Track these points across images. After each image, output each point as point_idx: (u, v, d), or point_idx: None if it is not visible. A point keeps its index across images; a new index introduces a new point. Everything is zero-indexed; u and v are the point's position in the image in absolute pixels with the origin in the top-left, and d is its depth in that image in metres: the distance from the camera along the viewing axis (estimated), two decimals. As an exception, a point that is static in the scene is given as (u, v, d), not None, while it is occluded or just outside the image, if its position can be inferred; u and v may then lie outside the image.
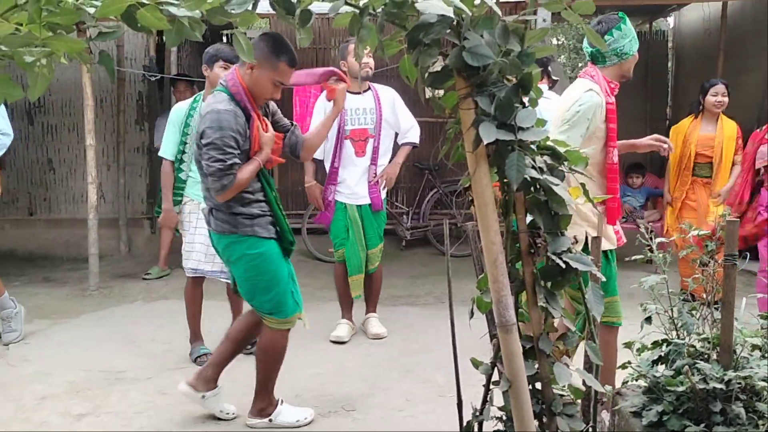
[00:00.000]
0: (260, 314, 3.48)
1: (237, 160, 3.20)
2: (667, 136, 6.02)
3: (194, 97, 4.60)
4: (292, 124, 3.69)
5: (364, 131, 4.99)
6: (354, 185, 4.98)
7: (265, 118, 3.45)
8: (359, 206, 5.02)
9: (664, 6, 9.69)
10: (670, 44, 11.49)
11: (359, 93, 4.96)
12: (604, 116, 3.34)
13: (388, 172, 5.13)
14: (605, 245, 3.33)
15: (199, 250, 4.46)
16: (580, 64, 18.33)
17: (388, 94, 5.13)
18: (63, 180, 8.01)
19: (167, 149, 4.53)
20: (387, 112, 5.06)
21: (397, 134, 5.22)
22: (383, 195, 5.18)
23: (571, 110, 3.29)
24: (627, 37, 3.40)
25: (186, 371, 4.37)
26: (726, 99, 5.69)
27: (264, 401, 3.59)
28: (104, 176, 7.80)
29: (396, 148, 5.24)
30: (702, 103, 5.75)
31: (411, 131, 5.19)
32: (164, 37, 1.72)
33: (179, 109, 4.55)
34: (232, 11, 1.69)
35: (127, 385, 4.19)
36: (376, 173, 5.07)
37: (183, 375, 4.30)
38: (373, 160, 5.06)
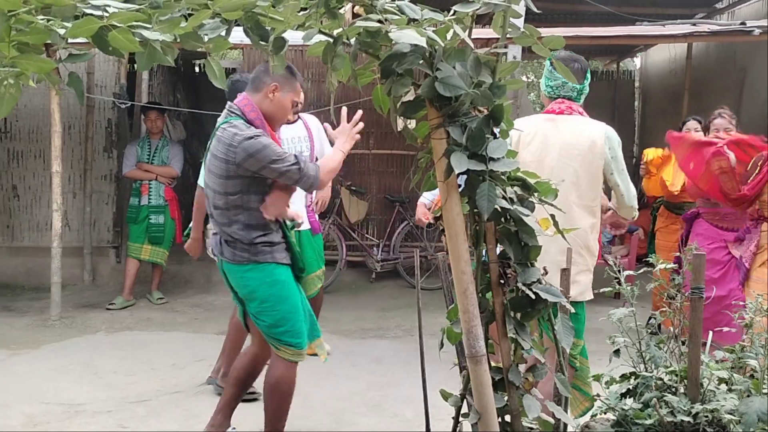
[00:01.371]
0: (275, 346, 3.38)
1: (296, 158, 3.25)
2: (636, 171, 6.10)
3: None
4: None
5: None
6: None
7: None
8: (298, 232, 5.02)
9: (631, 46, 9.96)
10: (636, 83, 11.77)
11: (290, 122, 5.07)
12: None
13: (321, 195, 5.29)
14: (585, 296, 3.37)
15: None
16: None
17: (315, 122, 5.35)
18: (27, 207, 7.85)
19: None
20: (316, 141, 5.28)
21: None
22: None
23: (617, 148, 3.39)
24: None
25: (148, 405, 4.27)
26: (699, 134, 5.76)
27: None
28: (70, 204, 7.68)
29: None
30: None
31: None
32: (136, 62, 1.70)
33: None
34: (205, 36, 1.68)
35: (86, 419, 4.07)
36: (312, 198, 5.24)
37: (145, 408, 4.21)
38: None
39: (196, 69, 10.78)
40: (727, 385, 2.18)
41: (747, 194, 4.34)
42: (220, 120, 3.38)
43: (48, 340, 5.64)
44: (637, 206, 3.50)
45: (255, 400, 4.25)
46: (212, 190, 3.30)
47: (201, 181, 4.35)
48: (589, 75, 3.52)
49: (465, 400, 2.11)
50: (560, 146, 3.37)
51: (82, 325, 6.11)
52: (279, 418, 3.46)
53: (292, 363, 3.40)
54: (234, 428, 3.64)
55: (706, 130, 5.81)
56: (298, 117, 5.22)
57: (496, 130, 1.93)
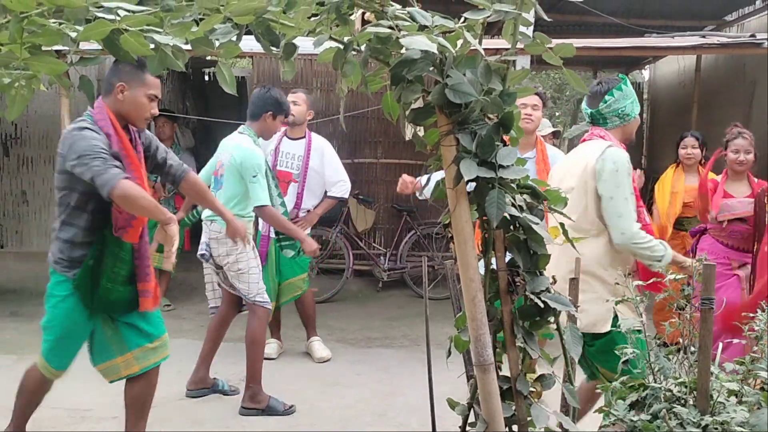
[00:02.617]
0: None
1: (116, 162, 3.02)
2: (645, 184, 6.07)
3: (250, 138, 4.45)
4: (166, 152, 3.49)
5: (288, 174, 5.31)
6: None
7: (135, 149, 3.24)
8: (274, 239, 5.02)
9: (640, 58, 9.95)
10: (645, 96, 11.76)
11: (294, 139, 5.27)
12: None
13: (306, 218, 5.37)
14: (597, 328, 3.15)
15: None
16: (557, 113, 18.66)
17: (319, 145, 5.44)
18: (36, 213, 7.88)
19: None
20: (315, 162, 5.38)
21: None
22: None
23: (608, 171, 3.10)
24: (628, 98, 3.25)
25: (152, 411, 4.23)
26: (696, 151, 5.71)
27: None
28: (79, 210, 7.70)
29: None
30: (677, 154, 5.85)
31: (337, 186, 5.45)
32: (147, 66, 1.71)
33: (259, 156, 4.39)
34: (216, 41, 1.69)
35: (92, 424, 4.07)
36: (297, 216, 5.32)
37: (149, 415, 4.18)
38: (296, 205, 5.35)
39: (206, 78, 10.83)
40: (737, 397, 2.15)
41: None
42: None
43: (54, 346, 5.63)
44: (637, 243, 3.08)
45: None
46: (62, 190, 3.20)
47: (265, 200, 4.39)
48: (612, 95, 3.21)
49: (472, 409, 2.10)
50: (563, 171, 3.33)
51: (88, 331, 6.10)
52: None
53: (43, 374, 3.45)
54: None
55: (703, 146, 5.79)
56: (305, 135, 5.35)
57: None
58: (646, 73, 11.91)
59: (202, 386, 4.56)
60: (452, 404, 2.15)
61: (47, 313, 3.27)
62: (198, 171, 4.67)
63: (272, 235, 5.02)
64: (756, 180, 4.90)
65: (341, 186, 5.44)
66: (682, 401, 2.17)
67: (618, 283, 2.81)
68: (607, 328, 3.09)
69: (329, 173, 5.41)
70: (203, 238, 4.44)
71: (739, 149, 4.81)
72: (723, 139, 4.97)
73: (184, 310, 6.90)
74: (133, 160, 3.14)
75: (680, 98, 9.66)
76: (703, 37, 6.86)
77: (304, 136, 5.38)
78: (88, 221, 3.15)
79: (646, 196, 6.15)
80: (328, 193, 5.46)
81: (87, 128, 3.08)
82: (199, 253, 4.46)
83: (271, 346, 5.25)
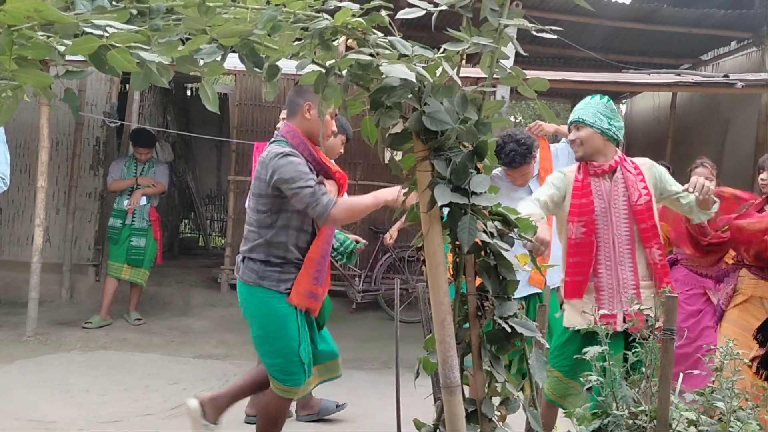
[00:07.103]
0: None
1: (323, 187, 3.18)
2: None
3: None
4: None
5: None
6: None
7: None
8: None
9: (617, 93, 10.14)
10: (621, 129, 11.93)
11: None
12: (570, 192, 3.49)
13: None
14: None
15: None
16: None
17: None
18: (9, 221, 7.80)
19: None
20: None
21: None
22: None
23: None
24: None
25: (119, 425, 4.23)
26: None
27: None
28: (52, 220, 7.64)
29: None
30: None
31: None
32: (131, 81, 1.74)
33: None
34: (201, 60, 1.73)
35: (56, 436, 4.03)
36: None
37: (115, 429, 4.16)
38: None
39: (188, 92, 10.84)
40: (695, 427, 2.21)
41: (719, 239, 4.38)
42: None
43: (21, 356, 5.57)
44: None
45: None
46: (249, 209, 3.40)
47: None
48: None
49: (438, 431, 2.12)
50: None
51: (56, 343, 6.04)
52: None
53: (283, 398, 3.38)
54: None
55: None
56: None
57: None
58: (622, 108, 12.13)
59: (310, 411, 4.46)
60: (419, 425, 2.18)
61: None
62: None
63: None
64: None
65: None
66: (643, 429, 2.22)
67: None
68: None
69: None
70: None
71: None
72: (687, 170, 5.05)
73: (154, 324, 6.85)
74: (335, 173, 3.32)
75: (655, 133, 9.85)
76: (679, 75, 7.04)
77: None
78: (293, 237, 3.29)
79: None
80: None
81: (289, 154, 3.20)
82: None
83: None
